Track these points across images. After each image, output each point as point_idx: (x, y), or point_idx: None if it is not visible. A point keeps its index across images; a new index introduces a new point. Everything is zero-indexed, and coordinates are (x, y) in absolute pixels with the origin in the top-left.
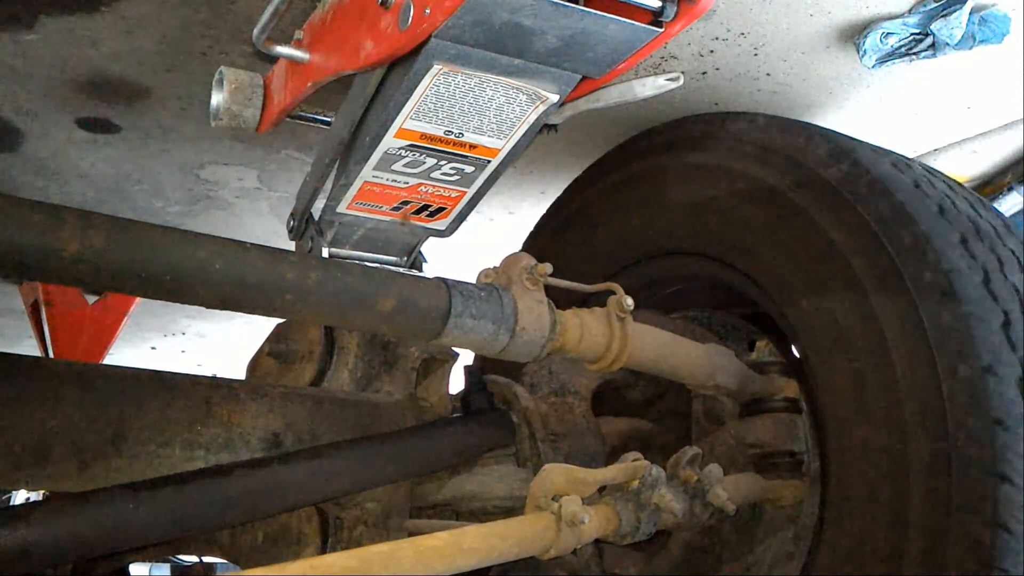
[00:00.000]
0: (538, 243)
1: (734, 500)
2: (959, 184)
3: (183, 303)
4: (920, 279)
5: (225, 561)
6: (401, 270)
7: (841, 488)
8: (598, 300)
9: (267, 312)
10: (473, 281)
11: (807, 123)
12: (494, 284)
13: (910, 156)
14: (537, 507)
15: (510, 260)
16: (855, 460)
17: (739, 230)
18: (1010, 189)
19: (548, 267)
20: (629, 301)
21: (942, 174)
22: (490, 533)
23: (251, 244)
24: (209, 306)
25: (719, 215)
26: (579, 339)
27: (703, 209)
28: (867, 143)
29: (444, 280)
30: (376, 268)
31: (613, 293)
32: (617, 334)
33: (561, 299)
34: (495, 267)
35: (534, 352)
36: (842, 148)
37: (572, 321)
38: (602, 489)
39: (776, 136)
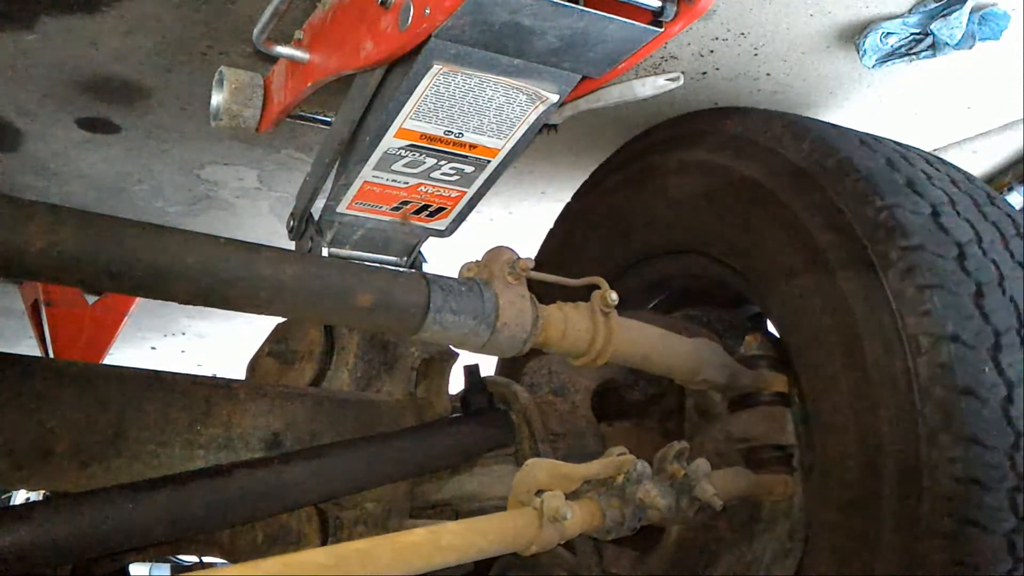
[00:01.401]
0: (551, 243)
1: (722, 495)
2: (941, 161)
3: (156, 299)
4: (886, 256)
5: (225, 561)
6: (381, 265)
7: (820, 476)
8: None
9: (243, 308)
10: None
11: (781, 112)
12: (475, 279)
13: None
14: (520, 503)
15: (492, 254)
16: (832, 444)
17: (721, 224)
18: (1010, 189)
19: (530, 261)
20: (613, 296)
21: (922, 152)
22: (470, 529)
23: (226, 239)
24: (183, 302)
25: (703, 210)
26: (562, 334)
27: (690, 206)
28: (833, 124)
29: (424, 275)
30: (354, 263)
31: (598, 288)
32: (601, 329)
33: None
34: (477, 261)
35: (516, 347)
36: (806, 129)
37: (555, 316)
38: (588, 485)
39: (749, 127)
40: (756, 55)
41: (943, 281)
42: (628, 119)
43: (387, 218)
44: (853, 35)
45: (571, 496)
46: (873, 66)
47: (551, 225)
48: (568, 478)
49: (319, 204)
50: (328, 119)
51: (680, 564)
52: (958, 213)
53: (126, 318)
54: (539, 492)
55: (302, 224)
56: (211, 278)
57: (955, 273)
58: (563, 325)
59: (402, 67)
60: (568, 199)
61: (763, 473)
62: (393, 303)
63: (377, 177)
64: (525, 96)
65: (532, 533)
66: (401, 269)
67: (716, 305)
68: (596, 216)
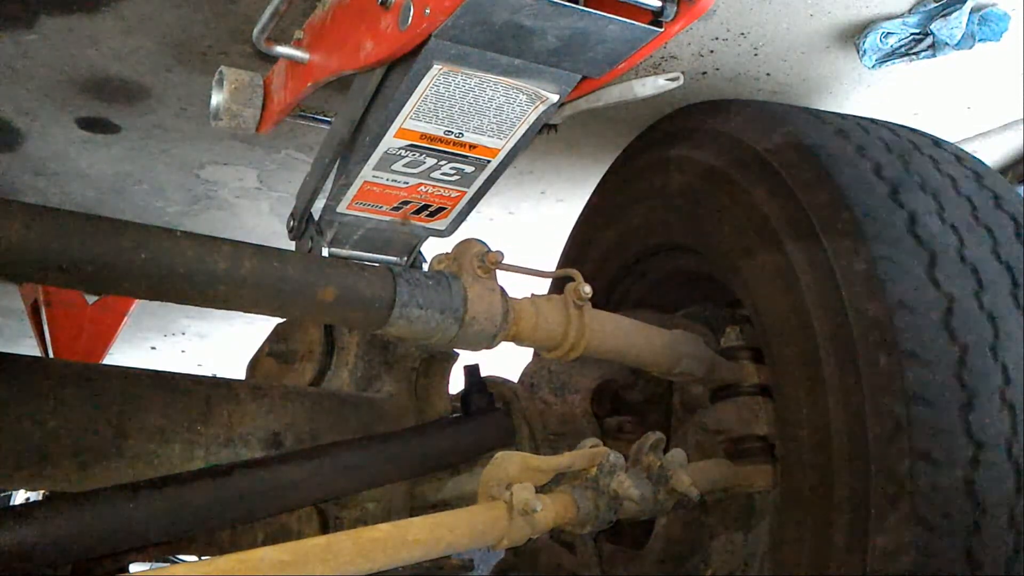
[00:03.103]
0: (570, 242)
1: (700, 486)
2: (917, 133)
3: (111, 294)
4: (831, 227)
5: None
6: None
7: (784, 457)
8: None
9: (201, 303)
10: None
11: (745, 100)
12: (444, 272)
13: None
14: (490, 496)
15: (461, 247)
16: (790, 425)
17: (700, 218)
18: None
19: (501, 254)
20: (587, 288)
21: (894, 125)
22: (437, 524)
23: (182, 232)
24: (139, 297)
25: (686, 206)
26: (534, 327)
27: (675, 203)
28: (796, 107)
29: (391, 269)
30: (317, 257)
31: (572, 280)
32: (574, 322)
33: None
34: (447, 253)
35: (486, 341)
36: (758, 109)
37: (527, 309)
38: (562, 478)
39: (721, 119)
40: (756, 55)
41: (891, 250)
42: (628, 119)
43: (387, 218)
44: (853, 35)
45: (544, 489)
46: (873, 66)
47: (556, 227)
48: (539, 471)
49: (319, 204)
50: (328, 119)
51: (672, 560)
52: (920, 186)
53: (126, 318)
54: (509, 485)
55: (302, 224)
56: (165, 272)
57: (904, 241)
58: (535, 318)
59: (402, 67)
60: (568, 199)
61: (743, 464)
62: (357, 297)
63: (377, 177)
64: (525, 96)
65: (502, 527)
66: (369, 263)
67: (714, 302)
68: (600, 218)
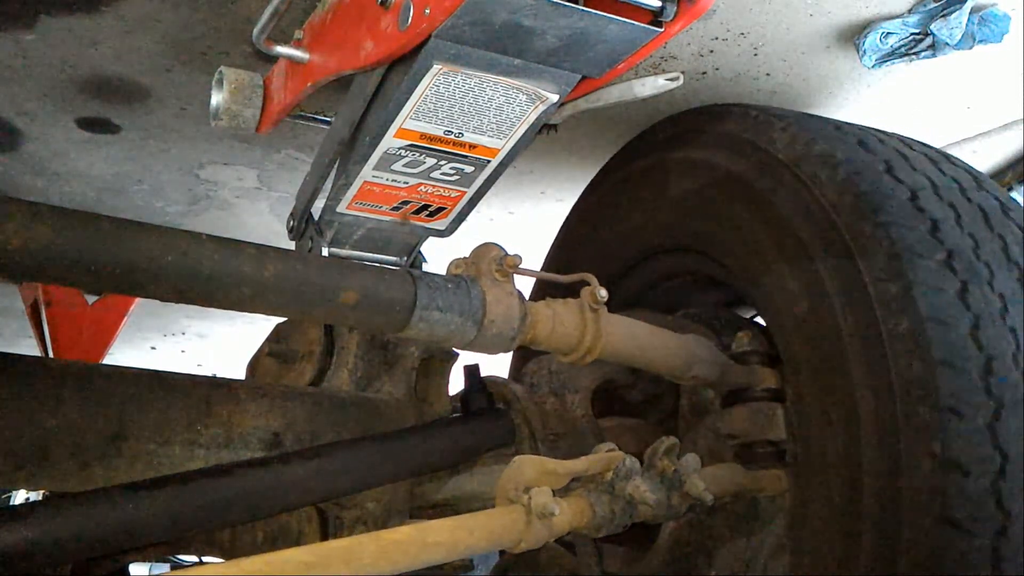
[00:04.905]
0: (560, 241)
1: (712, 490)
2: (919, 143)
3: (136, 296)
4: (860, 239)
5: (222, 561)
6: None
7: (804, 463)
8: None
9: (224, 306)
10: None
11: (767, 107)
12: (463, 276)
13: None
14: (508, 500)
15: (479, 251)
16: (813, 430)
17: (712, 222)
18: (1010, 189)
19: (518, 258)
20: (602, 292)
21: (897, 135)
22: (457, 526)
23: (207, 236)
24: (164, 299)
25: (695, 209)
26: (551, 331)
27: (683, 204)
28: (817, 116)
29: (411, 272)
30: (338, 260)
31: (588, 284)
32: (590, 326)
33: None
34: (465, 257)
35: (503, 344)
36: (787, 120)
37: (544, 313)
38: (577, 482)
39: (741, 125)
40: (756, 55)
41: (920, 258)
42: (628, 119)
43: (387, 218)
44: (853, 35)
45: (560, 493)
46: (873, 66)
47: (556, 227)
48: (556, 474)
49: (319, 204)
50: (328, 119)
51: (676, 562)
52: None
53: (126, 318)
54: (527, 489)
55: (302, 224)
56: (191, 275)
57: (928, 243)
58: (551, 322)
59: (402, 67)
60: (568, 199)
61: (755, 469)
62: (378, 300)
63: (377, 177)
64: (525, 96)
65: (520, 530)
66: (387, 266)
67: (714, 303)
68: (599, 217)
